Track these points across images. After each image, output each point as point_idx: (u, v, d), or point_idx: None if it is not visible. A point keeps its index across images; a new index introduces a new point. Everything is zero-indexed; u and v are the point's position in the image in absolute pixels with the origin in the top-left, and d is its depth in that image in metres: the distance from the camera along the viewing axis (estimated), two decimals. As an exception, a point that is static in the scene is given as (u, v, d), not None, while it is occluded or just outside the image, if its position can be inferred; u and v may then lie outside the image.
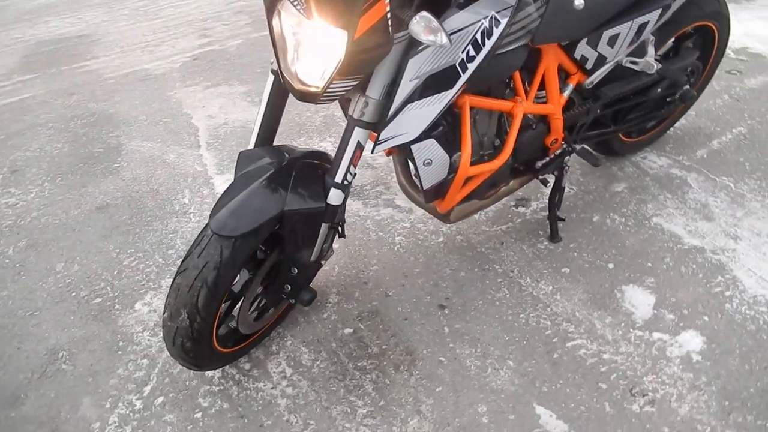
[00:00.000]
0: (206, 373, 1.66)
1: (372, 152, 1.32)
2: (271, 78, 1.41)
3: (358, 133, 1.28)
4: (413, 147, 1.35)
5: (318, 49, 1.16)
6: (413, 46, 1.19)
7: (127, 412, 1.57)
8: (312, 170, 1.39)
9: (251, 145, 1.46)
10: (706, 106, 2.63)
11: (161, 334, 1.77)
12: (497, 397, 1.50)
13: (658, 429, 1.38)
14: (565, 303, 1.73)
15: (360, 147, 1.30)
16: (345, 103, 1.66)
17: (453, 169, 1.45)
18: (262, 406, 1.56)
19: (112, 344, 1.78)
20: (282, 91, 1.42)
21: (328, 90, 1.18)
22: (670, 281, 1.77)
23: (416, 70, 1.20)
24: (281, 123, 1.53)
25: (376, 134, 1.30)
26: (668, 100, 2.05)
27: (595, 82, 1.75)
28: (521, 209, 2.14)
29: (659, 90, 1.96)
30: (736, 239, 1.89)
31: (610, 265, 1.85)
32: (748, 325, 1.61)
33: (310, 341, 1.72)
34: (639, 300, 1.72)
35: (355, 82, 1.19)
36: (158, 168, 2.67)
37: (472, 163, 1.46)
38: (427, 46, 1.18)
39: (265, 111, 1.44)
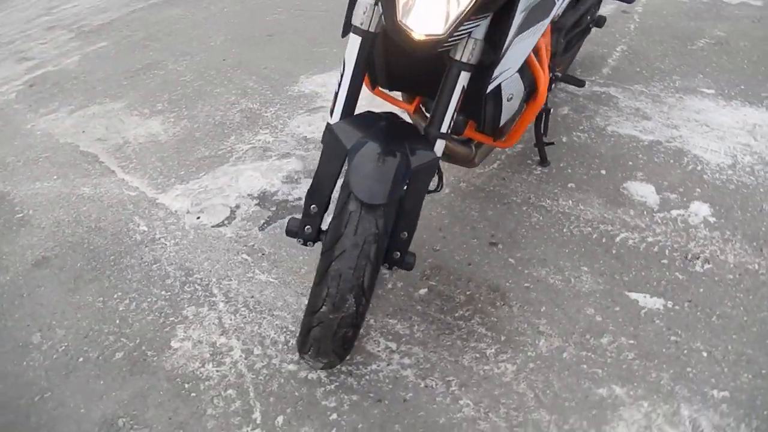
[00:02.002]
0: (308, 377, 1.56)
1: (486, 91, 1.36)
2: (355, 41, 1.33)
3: (463, 77, 1.31)
4: (504, 83, 1.42)
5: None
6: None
7: (253, 444, 1.41)
8: (411, 127, 1.38)
9: (336, 118, 1.38)
10: (583, 35, 3.08)
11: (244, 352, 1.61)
12: (594, 298, 1.67)
13: (724, 277, 1.68)
14: (591, 209, 1.96)
15: (464, 91, 1.34)
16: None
17: (520, 101, 1.56)
18: (391, 384, 1.52)
19: (177, 390, 1.56)
20: (367, 54, 1.36)
21: (454, 34, 1.19)
22: (654, 171, 2.10)
23: (526, 1, 1.28)
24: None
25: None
26: (590, 26, 2.38)
27: (560, 14, 1.98)
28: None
29: (588, 17, 2.28)
30: (677, 128, 2.31)
31: (603, 171, 2.13)
32: (728, 186, 2.01)
33: (392, 313, 1.71)
34: (643, 191, 2.02)
35: (480, 23, 1.21)
36: (80, 205, 2.31)
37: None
38: None
39: (351, 78, 1.36)
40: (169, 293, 1.86)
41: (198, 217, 2.18)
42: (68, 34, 3.95)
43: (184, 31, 3.77)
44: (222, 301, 1.82)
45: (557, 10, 1.39)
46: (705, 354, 1.50)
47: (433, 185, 1.51)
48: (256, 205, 2.20)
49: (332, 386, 1.53)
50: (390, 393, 1.50)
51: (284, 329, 1.70)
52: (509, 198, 2.06)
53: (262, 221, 2.12)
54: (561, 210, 1.98)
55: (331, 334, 1.26)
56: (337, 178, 1.36)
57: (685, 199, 1.97)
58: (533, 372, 1.50)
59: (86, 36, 3.87)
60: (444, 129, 1.35)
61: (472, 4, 1.14)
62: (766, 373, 1.44)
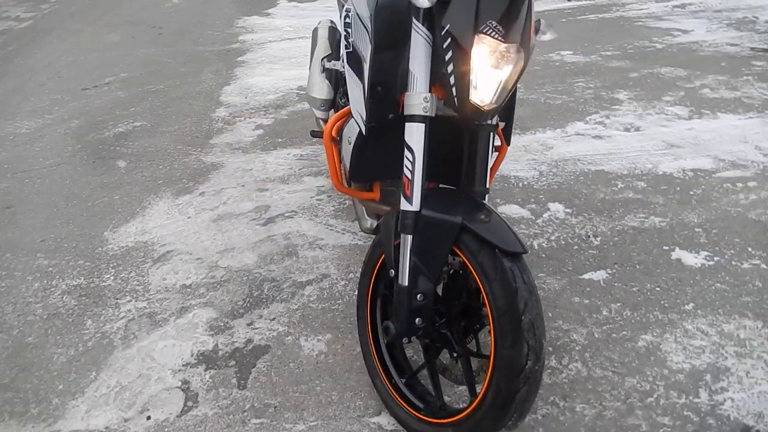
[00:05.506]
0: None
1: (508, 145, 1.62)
2: (418, 128, 1.39)
3: (491, 137, 1.54)
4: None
5: (500, 70, 1.37)
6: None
7: None
8: (460, 191, 1.55)
9: (417, 203, 1.39)
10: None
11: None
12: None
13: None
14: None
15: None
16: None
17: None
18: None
19: None
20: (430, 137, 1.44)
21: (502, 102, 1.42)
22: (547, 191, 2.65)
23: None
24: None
25: None
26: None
27: None
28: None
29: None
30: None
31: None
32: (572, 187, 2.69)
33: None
34: (558, 207, 2.53)
35: (512, 91, 1.46)
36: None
37: None
38: None
39: (422, 161, 1.42)
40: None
41: (148, 417, 1.74)
42: None
43: None
44: (285, 474, 1.54)
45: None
46: None
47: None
48: (207, 370, 1.88)
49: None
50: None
51: (382, 457, 1.57)
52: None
53: (234, 380, 1.83)
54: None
55: (536, 386, 1.31)
56: (448, 256, 1.41)
57: (541, 205, 2.56)
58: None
59: None
60: (487, 185, 1.56)
61: (518, 75, 1.39)
62: None
